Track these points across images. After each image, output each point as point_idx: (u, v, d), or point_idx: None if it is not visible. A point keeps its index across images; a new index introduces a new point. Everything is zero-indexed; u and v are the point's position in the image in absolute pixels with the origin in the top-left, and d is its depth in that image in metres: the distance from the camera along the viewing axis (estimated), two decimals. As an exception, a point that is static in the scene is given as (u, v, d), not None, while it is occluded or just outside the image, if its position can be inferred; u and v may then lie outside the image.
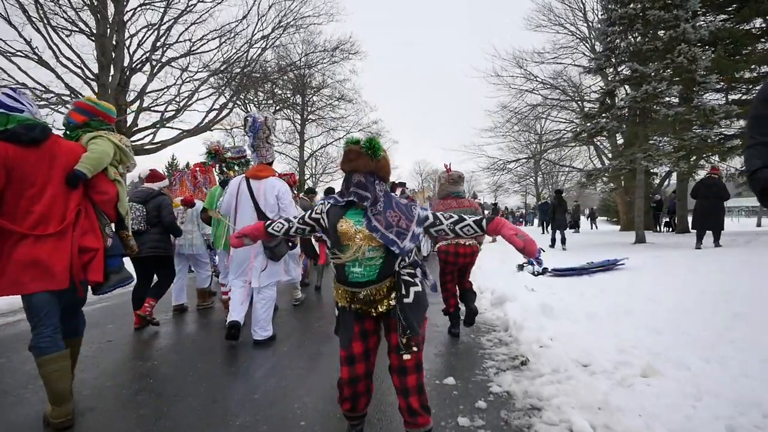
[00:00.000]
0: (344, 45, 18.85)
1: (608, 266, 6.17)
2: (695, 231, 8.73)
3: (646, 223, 19.51)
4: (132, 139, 13.25)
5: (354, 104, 24.64)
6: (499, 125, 21.99)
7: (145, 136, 13.59)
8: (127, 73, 13.29)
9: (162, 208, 4.08)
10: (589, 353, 3.17)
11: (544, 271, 6.30)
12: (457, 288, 3.98)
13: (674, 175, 15.83)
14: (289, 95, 19.80)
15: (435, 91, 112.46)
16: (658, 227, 17.04)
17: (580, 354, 3.14)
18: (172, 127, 13.66)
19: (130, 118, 13.20)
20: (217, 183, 4.87)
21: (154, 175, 4.27)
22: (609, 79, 12.09)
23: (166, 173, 4.90)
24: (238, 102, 17.25)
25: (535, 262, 6.52)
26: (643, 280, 5.51)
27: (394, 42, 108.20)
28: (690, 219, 12.76)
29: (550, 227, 12.63)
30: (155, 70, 13.64)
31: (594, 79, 19.87)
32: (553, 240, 11.31)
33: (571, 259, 7.83)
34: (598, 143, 19.13)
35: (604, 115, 10.47)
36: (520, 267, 6.67)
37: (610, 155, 19.05)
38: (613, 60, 10.31)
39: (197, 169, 5.74)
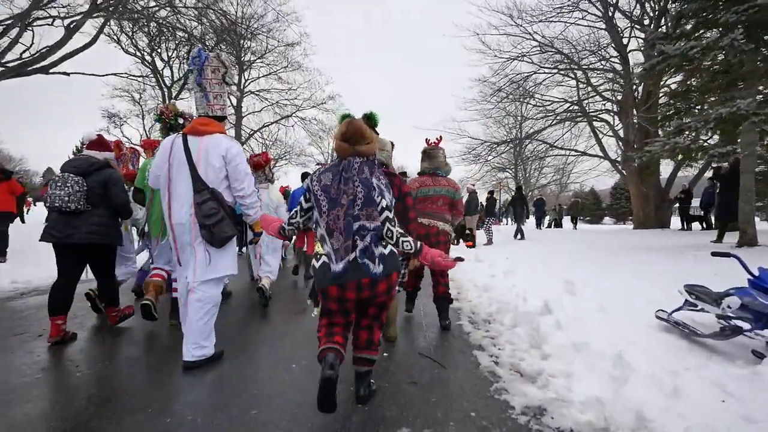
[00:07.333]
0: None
1: None
2: None
3: (659, 217, 15.61)
4: None
5: (304, 72, 19.96)
6: (485, 97, 17.99)
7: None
8: None
9: (111, 184, 3.21)
10: None
11: None
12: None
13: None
14: (212, 41, 14.45)
15: (408, 61, 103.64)
16: (686, 225, 13.43)
17: None
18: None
19: None
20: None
21: (100, 142, 3.31)
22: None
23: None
24: (114, 34, 12.07)
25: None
26: None
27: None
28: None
29: (514, 221, 13.29)
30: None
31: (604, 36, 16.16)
32: (520, 232, 12.05)
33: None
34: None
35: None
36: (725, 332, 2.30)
37: (620, 140, 15.39)
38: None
39: (141, 145, 4.90)
